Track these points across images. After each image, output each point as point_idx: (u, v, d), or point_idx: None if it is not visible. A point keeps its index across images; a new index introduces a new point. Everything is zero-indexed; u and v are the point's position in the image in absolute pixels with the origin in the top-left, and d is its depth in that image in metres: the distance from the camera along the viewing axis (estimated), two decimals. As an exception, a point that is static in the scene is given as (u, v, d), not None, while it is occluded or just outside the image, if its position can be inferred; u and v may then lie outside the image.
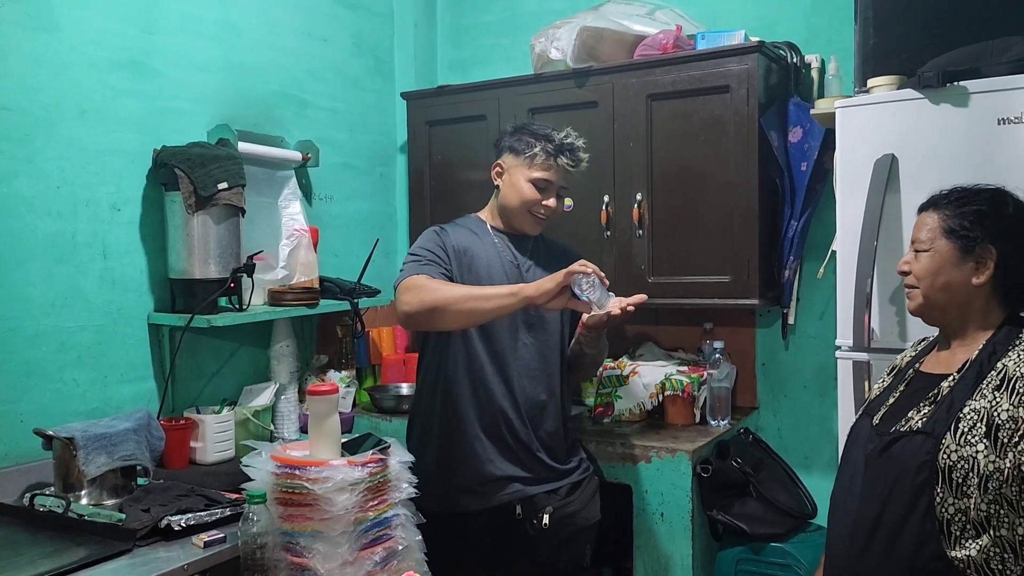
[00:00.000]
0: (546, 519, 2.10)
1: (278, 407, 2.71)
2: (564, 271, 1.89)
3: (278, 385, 2.73)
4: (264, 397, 2.67)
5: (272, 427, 2.69)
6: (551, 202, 2.16)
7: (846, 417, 2.11)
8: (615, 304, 1.94)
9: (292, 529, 1.70)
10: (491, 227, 2.23)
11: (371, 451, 1.76)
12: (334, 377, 2.90)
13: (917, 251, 1.55)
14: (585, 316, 2.07)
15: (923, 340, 1.72)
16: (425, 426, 2.20)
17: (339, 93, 3.15)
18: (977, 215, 1.50)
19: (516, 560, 2.14)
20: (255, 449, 1.79)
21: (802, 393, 2.81)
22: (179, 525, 1.79)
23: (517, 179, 2.15)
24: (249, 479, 1.77)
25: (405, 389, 3.07)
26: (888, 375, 1.69)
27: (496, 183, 2.23)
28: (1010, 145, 1.93)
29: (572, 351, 2.27)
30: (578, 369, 2.32)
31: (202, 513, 1.85)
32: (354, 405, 2.98)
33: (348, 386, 2.90)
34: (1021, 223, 1.49)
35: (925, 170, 2.02)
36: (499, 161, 2.22)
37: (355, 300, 2.86)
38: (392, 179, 3.43)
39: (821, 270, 2.53)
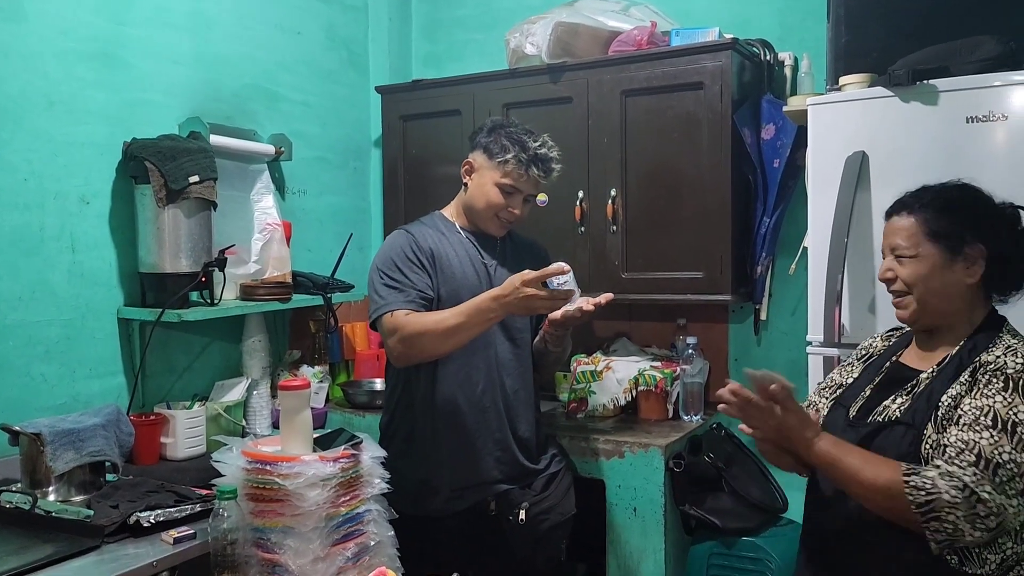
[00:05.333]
0: (522, 515, 2.10)
1: (250, 402, 2.69)
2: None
3: (250, 380, 2.71)
4: (236, 392, 2.64)
5: (244, 422, 2.67)
6: (517, 209, 2.14)
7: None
8: (584, 301, 1.96)
9: (263, 525, 1.68)
10: (458, 226, 2.20)
11: (343, 446, 1.75)
12: (307, 372, 2.88)
13: (900, 257, 1.52)
14: (554, 313, 2.06)
15: (894, 330, 1.73)
16: (401, 427, 2.17)
17: (312, 86, 3.13)
18: (958, 214, 1.49)
19: (490, 558, 2.13)
20: (226, 445, 1.77)
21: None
22: (148, 521, 1.77)
23: (485, 181, 2.12)
24: (220, 475, 1.75)
25: (379, 384, 3.06)
26: (858, 361, 1.70)
27: (464, 180, 2.19)
28: (978, 143, 1.96)
29: (536, 349, 2.26)
30: (541, 367, 2.31)
31: (171, 509, 1.83)
32: (327, 400, 2.96)
33: (321, 381, 2.89)
34: (998, 215, 1.51)
35: (895, 167, 2.05)
36: (470, 159, 2.18)
37: (328, 295, 2.84)
38: (366, 173, 3.42)
39: (793, 266, 2.55)
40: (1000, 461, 1.30)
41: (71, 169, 2.30)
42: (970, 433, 1.33)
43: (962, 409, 1.37)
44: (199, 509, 1.86)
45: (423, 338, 1.98)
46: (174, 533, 1.75)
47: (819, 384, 1.76)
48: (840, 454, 1.42)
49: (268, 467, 1.68)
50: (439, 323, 1.97)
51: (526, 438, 2.18)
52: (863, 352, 1.71)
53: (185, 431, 2.42)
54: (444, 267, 2.11)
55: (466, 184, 2.19)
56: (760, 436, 1.55)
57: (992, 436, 1.31)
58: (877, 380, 1.59)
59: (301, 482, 1.65)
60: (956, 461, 1.32)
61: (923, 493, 1.31)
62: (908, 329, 1.67)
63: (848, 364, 1.72)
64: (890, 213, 1.58)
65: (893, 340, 1.69)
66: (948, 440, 1.35)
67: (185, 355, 2.65)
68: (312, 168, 3.14)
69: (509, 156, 2.08)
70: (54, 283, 2.27)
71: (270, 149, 2.85)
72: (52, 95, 2.26)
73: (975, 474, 1.30)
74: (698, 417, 2.64)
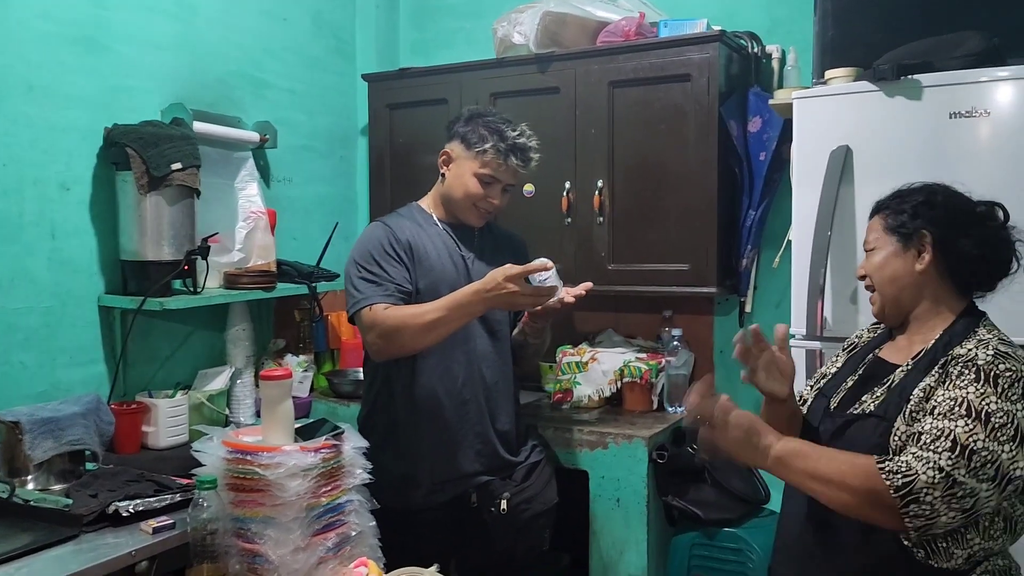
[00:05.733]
0: (504, 505, 2.10)
1: (233, 391, 2.68)
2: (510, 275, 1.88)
3: (233, 369, 2.70)
4: (219, 381, 2.63)
5: (227, 412, 2.65)
6: (496, 199, 2.11)
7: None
8: (564, 292, 1.97)
9: (243, 515, 1.67)
10: (436, 218, 2.17)
11: (324, 437, 1.74)
12: (291, 361, 2.87)
13: (868, 251, 1.59)
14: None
15: (880, 323, 1.74)
16: (380, 421, 2.15)
17: (298, 74, 3.10)
18: (912, 208, 1.53)
19: (472, 549, 2.14)
20: (207, 434, 1.76)
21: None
22: (127, 511, 1.76)
23: (463, 171, 2.09)
24: (200, 464, 1.74)
25: (363, 374, 3.05)
26: (844, 352, 1.72)
27: (442, 171, 2.16)
28: (961, 138, 1.96)
29: (515, 341, 2.25)
30: (521, 359, 2.29)
31: (151, 499, 1.82)
32: (312, 390, 2.96)
33: (305, 371, 2.88)
34: (952, 206, 1.53)
35: (879, 162, 2.05)
36: (447, 149, 2.14)
37: (313, 284, 2.83)
38: (352, 162, 3.40)
39: (777, 259, 2.56)
40: (975, 448, 1.31)
41: (51, 155, 2.28)
42: (945, 421, 1.34)
43: (936, 400, 1.38)
44: (179, 499, 1.85)
45: (402, 333, 1.97)
46: (153, 523, 1.74)
47: (809, 381, 1.78)
48: (804, 453, 1.42)
49: (249, 457, 1.67)
50: (418, 317, 1.96)
51: (506, 430, 2.17)
52: (849, 344, 1.73)
53: (167, 420, 2.41)
54: (422, 260, 2.08)
55: (443, 174, 2.15)
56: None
57: (967, 424, 1.33)
58: (859, 373, 1.60)
59: (282, 472, 1.64)
60: (931, 447, 1.33)
61: (899, 476, 1.32)
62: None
63: (836, 355, 1.74)
64: (871, 215, 1.62)
65: (878, 332, 1.71)
66: (923, 428, 1.36)
67: (167, 343, 2.63)
68: (298, 156, 3.12)
69: (487, 146, 2.06)
70: (33, 270, 2.25)
71: (255, 136, 2.83)
72: (32, 79, 2.23)
73: (950, 459, 1.31)
74: (682, 409, 2.65)
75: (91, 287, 2.40)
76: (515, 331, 2.25)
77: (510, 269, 1.88)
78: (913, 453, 1.34)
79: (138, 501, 1.80)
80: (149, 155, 2.31)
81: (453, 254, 2.13)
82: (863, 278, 1.60)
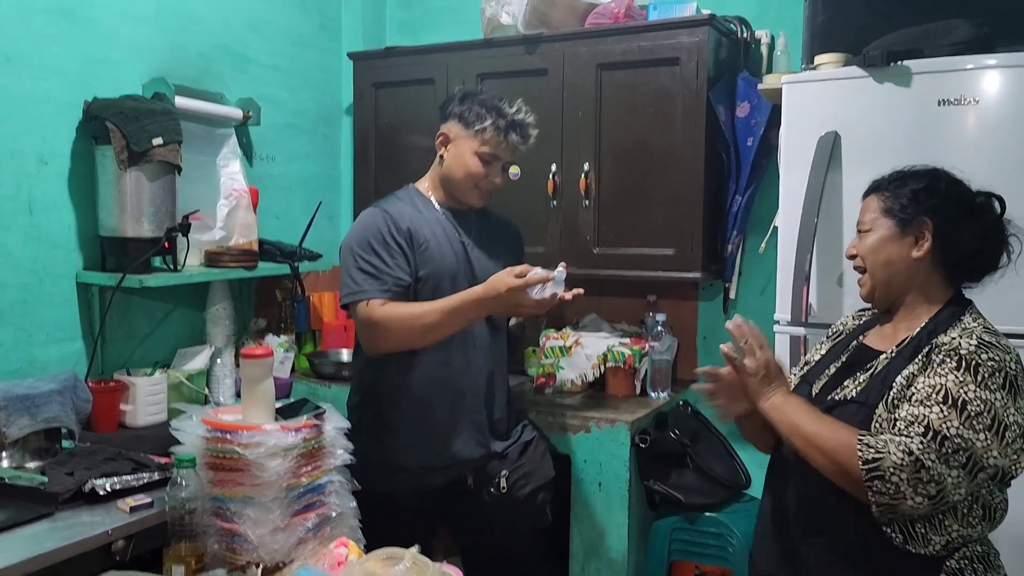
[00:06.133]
0: (503, 483, 2.07)
1: (213, 371, 2.64)
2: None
3: (214, 348, 2.67)
4: (199, 360, 2.60)
5: (207, 391, 2.62)
6: (497, 177, 2.09)
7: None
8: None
9: (222, 494, 1.65)
10: (435, 202, 2.13)
11: (306, 416, 1.72)
12: (272, 342, 2.84)
13: (860, 232, 1.57)
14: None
15: (866, 310, 1.74)
16: (371, 409, 2.11)
17: (283, 50, 3.06)
18: (913, 193, 1.52)
19: (472, 532, 2.13)
20: (185, 413, 1.74)
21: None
22: (104, 489, 1.74)
23: (463, 151, 2.05)
24: (179, 443, 1.72)
25: (346, 355, 3.03)
26: (828, 339, 1.71)
27: (440, 152, 2.12)
28: (949, 126, 1.96)
29: (511, 332, 2.24)
30: (514, 348, 2.32)
31: (128, 477, 1.80)
32: (293, 370, 2.93)
33: (287, 351, 2.85)
34: (955, 196, 1.51)
35: (867, 148, 2.05)
36: (444, 130, 2.09)
37: (295, 264, 2.80)
38: (336, 141, 3.36)
39: (763, 245, 2.56)
40: (947, 435, 1.31)
41: (28, 127, 2.23)
42: (921, 408, 1.35)
43: (915, 387, 1.39)
44: (157, 478, 1.83)
45: (398, 333, 1.95)
46: (131, 501, 1.71)
47: (796, 370, 1.77)
48: (796, 409, 1.47)
49: (228, 436, 1.65)
50: (417, 319, 1.94)
51: (500, 418, 2.15)
52: (832, 330, 1.73)
53: (145, 399, 2.38)
54: (423, 248, 2.04)
55: (442, 156, 2.11)
56: (732, 413, 1.60)
57: (942, 411, 1.33)
58: (843, 359, 1.60)
59: (262, 452, 1.62)
60: (905, 432, 1.34)
61: (872, 451, 1.34)
62: (867, 304, 1.68)
63: (821, 342, 1.73)
64: (864, 195, 1.60)
65: (863, 319, 1.70)
66: (899, 415, 1.37)
67: (147, 321, 2.60)
68: (281, 134, 3.08)
69: (487, 123, 2.02)
70: (9, 245, 2.20)
71: (237, 113, 2.79)
72: (9, 50, 2.18)
73: (922, 443, 1.32)
74: (665, 394, 2.65)
75: (69, 263, 2.36)
76: (512, 322, 2.24)
77: (513, 281, 1.86)
78: (889, 436, 1.36)
79: (115, 479, 1.77)
80: (129, 130, 2.27)
81: (453, 240, 2.09)
82: (853, 257, 1.58)
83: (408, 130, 3.04)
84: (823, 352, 1.67)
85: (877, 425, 1.41)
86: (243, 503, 1.64)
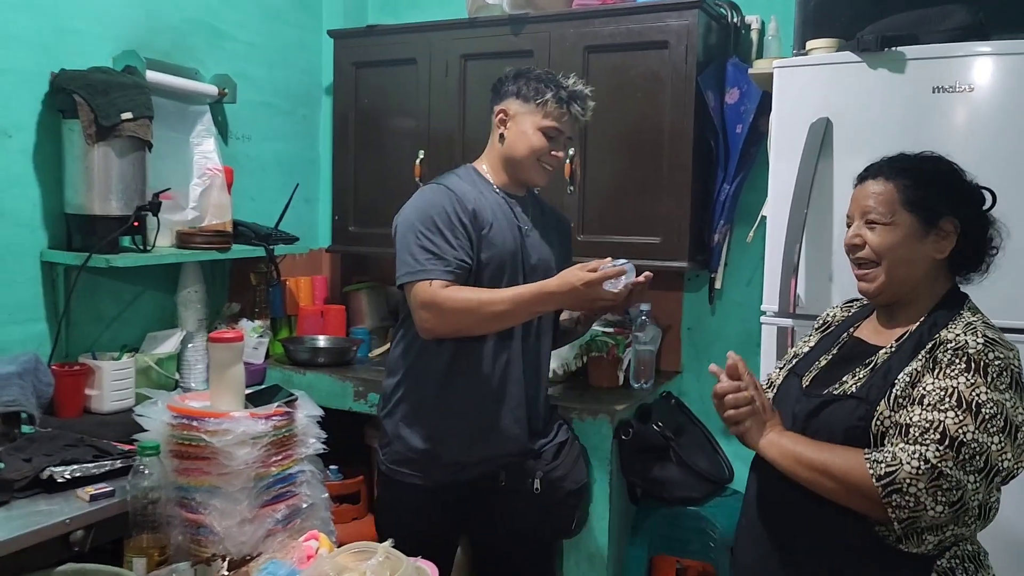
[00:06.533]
0: (537, 484, 2.00)
1: (184, 356, 2.57)
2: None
3: (185, 332, 2.59)
4: (169, 344, 2.52)
5: (177, 376, 2.55)
6: (560, 152, 2.02)
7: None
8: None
9: (188, 484, 1.59)
10: (495, 185, 2.02)
11: (277, 403, 1.65)
12: (246, 326, 2.75)
13: (872, 224, 1.45)
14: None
15: (854, 301, 1.69)
16: (411, 395, 2.00)
17: (260, 26, 2.97)
18: (937, 186, 1.43)
19: (489, 529, 2.05)
20: (151, 399, 1.66)
21: (725, 359, 2.79)
22: (63, 477, 1.66)
23: (526, 127, 1.97)
24: (144, 430, 1.65)
25: (322, 341, 2.96)
26: (816, 331, 1.66)
27: (500, 131, 2.01)
28: (943, 114, 1.92)
29: (564, 327, 2.19)
30: (559, 343, 2.26)
31: (89, 464, 1.72)
32: (267, 356, 2.85)
33: (261, 336, 2.76)
34: (974, 192, 1.46)
35: (859, 136, 2.00)
36: (503, 107, 2.00)
37: (271, 247, 2.72)
38: (315, 122, 3.27)
39: (751, 235, 2.51)
40: (964, 440, 1.26)
41: (-10, 98, 2.14)
42: (935, 413, 1.29)
43: (924, 389, 1.33)
44: (120, 465, 1.75)
45: (462, 317, 1.85)
46: (91, 490, 1.64)
47: (779, 363, 1.71)
48: (795, 440, 1.40)
49: (195, 423, 1.58)
50: (484, 306, 1.84)
51: (540, 415, 2.09)
52: (820, 322, 1.67)
53: (112, 383, 2.31)
54: (485, 230, 1.94)
55: (502, 135, 2.01)
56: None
57: (957, 416, 1.28)
58: (833, 352, 1.54)
59: (229, 439, 1.55)
60: (920, 440, 1.28)
61: (883, 465, 1.28)
62: (868, 301, 1.62)
63: (807, 335, 1.68)
64: (864, 177, 1.50)
65: (852, 311, 1.65)
66: (911, 420, 1.31)
67: (115, 303, 2.51)
68: (258, 113, 2.99)
69: (548, 96, 1.96)
70: (-31, 221, 2.12)
71: (212, 90, 2.70)
72: (-30, 16, 2.08)
73: (938, 451, 1.26)
74: (649, 385, 2.60)
75: (33, 241, 2.28)
76: (564, 316, 2.18)
77: (587, 276, 1.79)
78: (900, 446, 1.30)
79: (75, 467, 1.69)
80: (98, 103, 2.18)
81: (511, 224, 1.99)
82: (857, 248, 1.46)
83: (389, 112, 2.97)
84: (811, 345, 1.61)
85: (878, 423, 1.35)
86: (209, 493, 1.58)
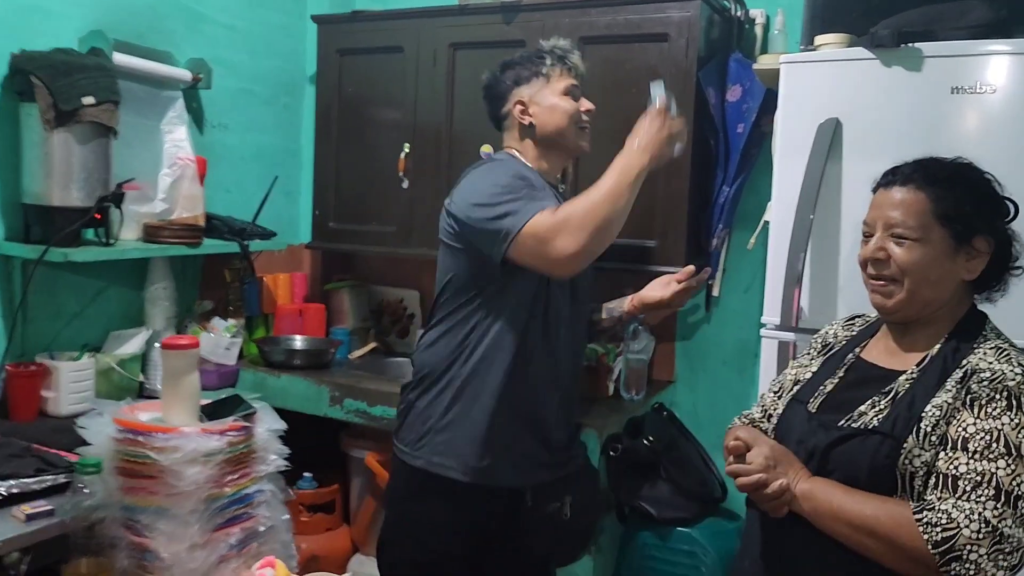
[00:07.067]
0: (567, 508, 1.88)
1: (150, 356, 2.43)
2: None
3: (151, 331, 2.45)
4: (133, 344, 2.38)
5: (143, 378, 2.41)
6: (589, 104, 1.97)
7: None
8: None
9: (134, 504, 1.45)
10: (537, 171, 1.93)
11: (233, 417, 1.51)
12: (219, 325, 2.62)
13: (898, 237, 1.30)
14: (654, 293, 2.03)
15: (855, 317, 1.55)
16: (448, 394, 1.85)
17: (240, 9, 2.82)
18: (973, 199, 1.29)
19: (500, 550, 1.91)
20: (94, 409, 1.53)
21: (721, 369, 2.67)
22: (-1, 493, 1.52)
23: (548, 100, 1.92)
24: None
25: (299, 342, 2.83)
26: (817, 354, 1.51)
27: (526, 120, 1.92)
28: (962, 116, 1.79)
29: (602, 326, 2.11)
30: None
31: (29, 480, 1.59)
32: (241, 357, 2.71)
33: (233, 336, 2.62)
34: (1001, 205, 1.32)
35: (870, 138, 1.87)
36: (517, 97, 1.93)
37: (245, 242, 2.58)
38: (298, 111, 3.13)
39: (751, 241, 2.37)
40: (1020, 493, 1.14)
41: (-59, 79, 2.00)
42: (984, 463, 1.16)
43: (967, 431, 1.19)
44: (63, 480, 1.62)
45: (589, 218, 1.69)
46: (28, 508, 1.51)
47: (772, 385, 1.56)
48: (829, 491, 1.24)
49: (141, 438, 1.44)
50: (596, 191, 1.73)
51: (573, 433, 1.99)
52: (820, 343, 1.52)
53: (69, 385, 2.17)
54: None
55: (531, 123, 1.92)
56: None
57: (1008, 465, 1.15)
58: (840, 375, 1.40)
59: (178, 457, 1.42)
60: (973, 496, 1.15)
61: (939, 529, 1.14)
62: (873, 317, 1.48)
63: (806, 355, 1.53)
64: (888, 182, 1.35)
65: (855, 330, 1.50)
66: (958, 470, 1.18)
67: (76, 299, 2.37)
68: (236, 100, 2.85)
69: (547, 63, 1.93)
70: (-84, 209, 1.97)
71: (185, 75, 2.56)
72: (-80, -10, 1.94)
73: (996, 509, 1.13)
74: (640, 396, 2.46)
75: (-13, 233, 2.13)
76: (607, 319, 2.10)
77: (646, 116, 1.80)
78: (952, 503, 1.16)
79: (12, 482, 1.56)
80: (57, 86, 2.04)
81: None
82: (880, 263, 1.31)
83: (374, 102, 2.82)
84: (814, 370, 1.45)
85: (908, 462, 1.21)
86: (156, 515, 1.44)
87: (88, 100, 2.07)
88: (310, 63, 3.03)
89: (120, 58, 2.30)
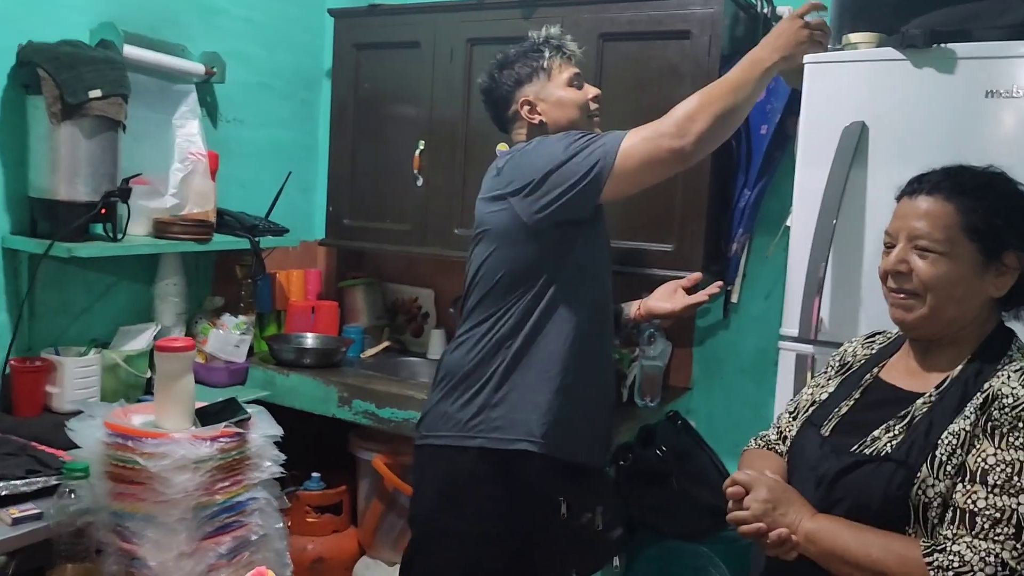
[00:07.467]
0: (599, 520, 1.82)
1: (157, 352, 2.40)
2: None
3: (160, 327, 2.43)
4: (141, 340, 2.36)
5: (150, 374, 2.38)
6: (594, 89, 1.94)
7: (782, 410, 1.89)
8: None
9: (122, 509, 1.42)
10: None
11: (225, 423, 1.47)
12: (229, 322, 2.59)
13: (922, 250, 1.22)
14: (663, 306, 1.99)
15: (876, 334, 1.48)
16: (497, 379, 1.78)
17: (257, 2, 2.79)
18: (1009, 211, 1.21)
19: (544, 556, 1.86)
20: (85, 411, 1.49)
21: (739, 377, 2.59)
22: (-15, 495, 1.50)
23: (554, 94, 1.89)
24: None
25: (309, 340, 2.79)
26: (835, 374, 1.44)
27: (535, 120, 1.89)
28: (998, 121, 1.69)
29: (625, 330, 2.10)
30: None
31: (18, 482, 1.56)
32: (251, 354, 2.68)
33: (243, 333, 2.59)
34: None
35: (898, 142, 1.78)
36: (522, 98, 1.89)
37: (256, 238, 2.54)
38: (316, 106, 3.09)
39: (772, 247, 2.29)
40: None
41: (-52, 70, 1.98)
42: (1003, 498, 1.08)
43: (986, 462, 1.11)
44: (54, 482, 1.59)
45: (716, 101, 1.71)
46: (15, 511, 1.48)
47: (788, 405, 1.49)
48: (835, 531, 1.17)
49: (130, 443, 1.41)
50: (718, 82, 1.77)
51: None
52: (838, 362, 1.45)
53: (74, 381, 2.15)
54: None
55: (541, 121, 1.89)
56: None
57: None
58: (856, 396, 1.32)
59: (167, 464, 1.38)
60: (991, 535, 1.08)
61: (951, 574, 1.07)
62: (895, 334, 1.40)
63: (823, 374, 1.46)
64: (913, 191, 1.27)
65: (875, 348, 1.42)
66: (976, 505, 1.10)
67: (85, 295, 2.35)
68: (252, 95, 2.81)
69: (546, 56, 1.90)
70: (-78, 202, 1.96)
71: (199, 68, 2.52)
72: (-72, -19, 1.92)
73: (1015, 548, 1.06)
74: (654, 403, 2.40)
75: (-7, 226, 2.12)
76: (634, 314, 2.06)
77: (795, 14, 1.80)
78: (967, 542, 1.08)
79: (0, 484, 1.53)
80: (64, 78, 2.02)
81: None
82: (902, 276, 1.24)
83: (390, 98, 2.77)
84: (831, 390, 1.38)
85: (921, 492, 1.14)
86: (144, 521, 1.41)
87: (95, 93, 2.04)
88: (327, 57, 2.99)
89: (131, 51, 2.27)
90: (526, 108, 1.89)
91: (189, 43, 2.55)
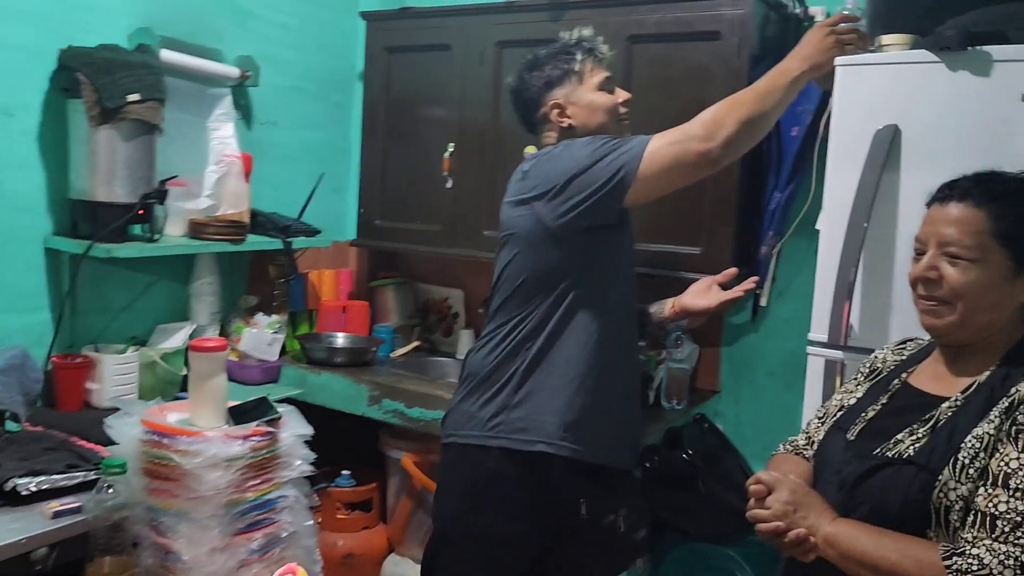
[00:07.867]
0: (621, 522, 1.83)
1: (193, 350, 2.45)
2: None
3: (196, 326, 2.48)
4: (178, 338, 2.41)
5: (186, 371, 2.43)
6: (625, 93, 1.94)
7: (811, 416, 1.88)
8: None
9: (157, 505, 1.46)
10: None
11: (257, 422, 1.50)
12: (262, 321, 2.64)
13: (953, 256, 1.22)
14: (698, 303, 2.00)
15: (907, 341, 1.47)
16: (517, 380, 1.79)
17: (290, 6, 2.83)
18: None
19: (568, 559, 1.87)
20: (121, 409, 1.53)
21: (768, 380, 2.58)
22: (27, 489, 1.54)
23: (585, 98, 1.88)
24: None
25: (340, 340, 2.83)
26: (864, 379, 1.43)
27: (564, 123, 1.88)
28: (1032, 127, 1.66)
29: (646, 328, 2.09)
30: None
31: (58, 476, 1.60)
32: (284, 353, 2.72)
33: (276, 332, 2.64)
34: None
35: (931, 146, 1.76)
36: (551, 100, 1.88)
37: (288, 239, 2.58)
38: (349, 108, 3.13)
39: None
40: None
41: (-7, 75, 2.04)
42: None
43: (1008, 466, 1.11)
44: (93, 477, 1.63)
45: (743, 108, 1.73)
46: (55, 505, 1.52)
47: (818, 411, 1.49)
48: (854, 535, 1.17)
49: (165, 440, 1.44)
50: (746, 90, 1.79)
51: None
52: (868, 368, 1.44)
53: (113, 377, 2.21)
54: None
55: (571, 124, 1.88)
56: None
57: None
58: (883, 401, 1.32)
59: (200, 461, 1.41)
60: (1011, 538, 1.07)
61: None
62: (926, 341, 1.40)
63: (852, 380, 1.45)
64: (944, 197, 1.27)
65: (906, 354, 1.42)
66: (997, 508, 1.09)
67: (124, 293, 2.41)
68: (286, 98, 2.86)
69: (579, 58, 1.88)
70: (-33, 204, 2.02)
71: (233, 72, 2.57)
72: (-25, -12, 1.98)
73: None
74: (681, 406, 2.40)
75: (36, 227, 2.18)
76: (653, 313, 2.07)
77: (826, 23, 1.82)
78: (987, 545, 1.08)
79: (42, 478, 1.58)
80: (102, 83, 2.07)
81: None
82: (932, 283, 1.24)
83: (421, 101, 2.80)
84: (859, 395, 1.38)
85: (942, 496, 1.14)
86: (178, 517, 1.44)
87: (133, 97, 2.09)
88: (359, 60, 3.02)
89: (167, 55, 2.32)
90: (556, 111, 1.88)
91: (224, 47, 2.60)
